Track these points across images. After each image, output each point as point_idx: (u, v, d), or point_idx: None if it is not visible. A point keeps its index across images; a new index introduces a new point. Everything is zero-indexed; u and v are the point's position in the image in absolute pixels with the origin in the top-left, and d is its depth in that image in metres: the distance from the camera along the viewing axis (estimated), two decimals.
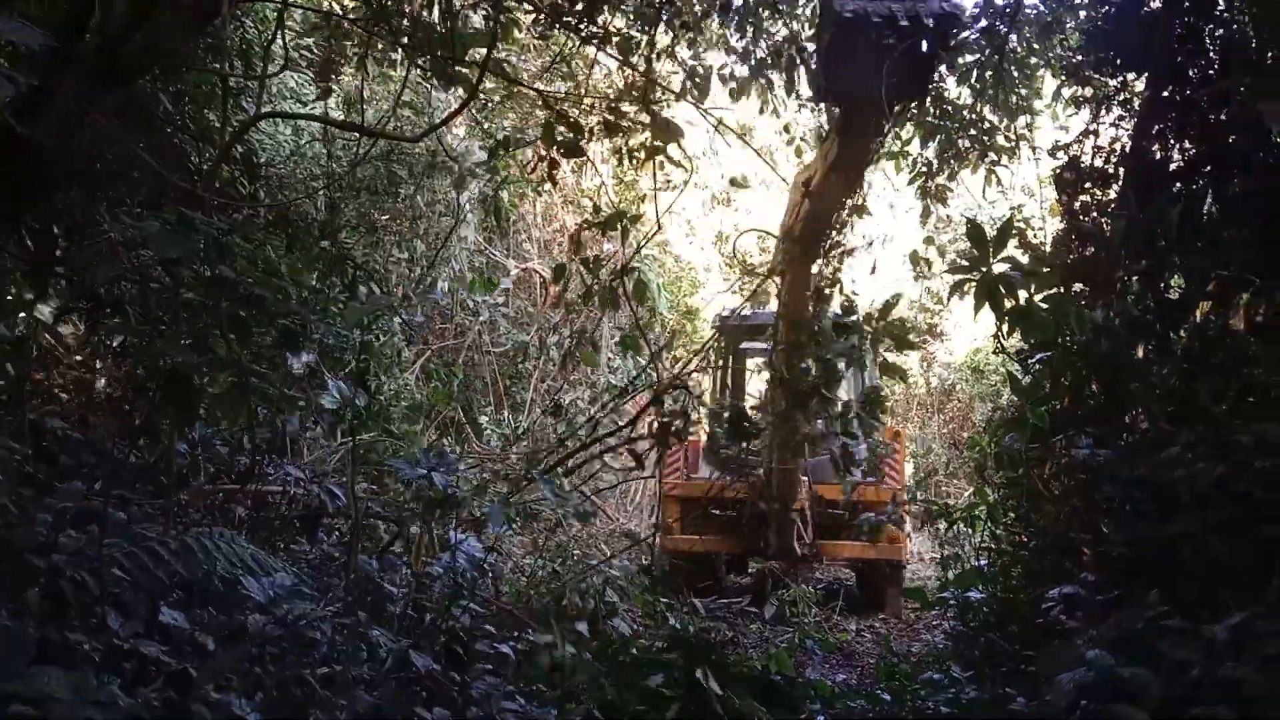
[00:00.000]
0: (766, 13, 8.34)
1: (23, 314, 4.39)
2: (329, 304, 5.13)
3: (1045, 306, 4.67)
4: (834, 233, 6.97)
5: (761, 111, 9.23)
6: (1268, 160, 4.95)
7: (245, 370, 3.31)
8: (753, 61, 8.52)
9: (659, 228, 6.62)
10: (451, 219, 9.62)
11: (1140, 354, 4.76)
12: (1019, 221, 10.35)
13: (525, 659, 6.35)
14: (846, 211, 7.00)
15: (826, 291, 6.58)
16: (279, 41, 6.22)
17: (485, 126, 10.51)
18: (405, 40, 6.19)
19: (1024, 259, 7.80)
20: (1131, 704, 2.85)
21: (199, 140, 6.35)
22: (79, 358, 5.99)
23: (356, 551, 4.73)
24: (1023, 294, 4.64)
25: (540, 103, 7.21)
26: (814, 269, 6.94)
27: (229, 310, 3.07)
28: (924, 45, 5.10)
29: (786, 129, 10.47)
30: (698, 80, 7.83)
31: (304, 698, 3.47)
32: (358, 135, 7.87)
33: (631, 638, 6.15)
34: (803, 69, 8.01)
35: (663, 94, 7.06)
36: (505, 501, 5.56)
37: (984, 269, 4.60)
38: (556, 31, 6.79)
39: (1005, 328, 4.88)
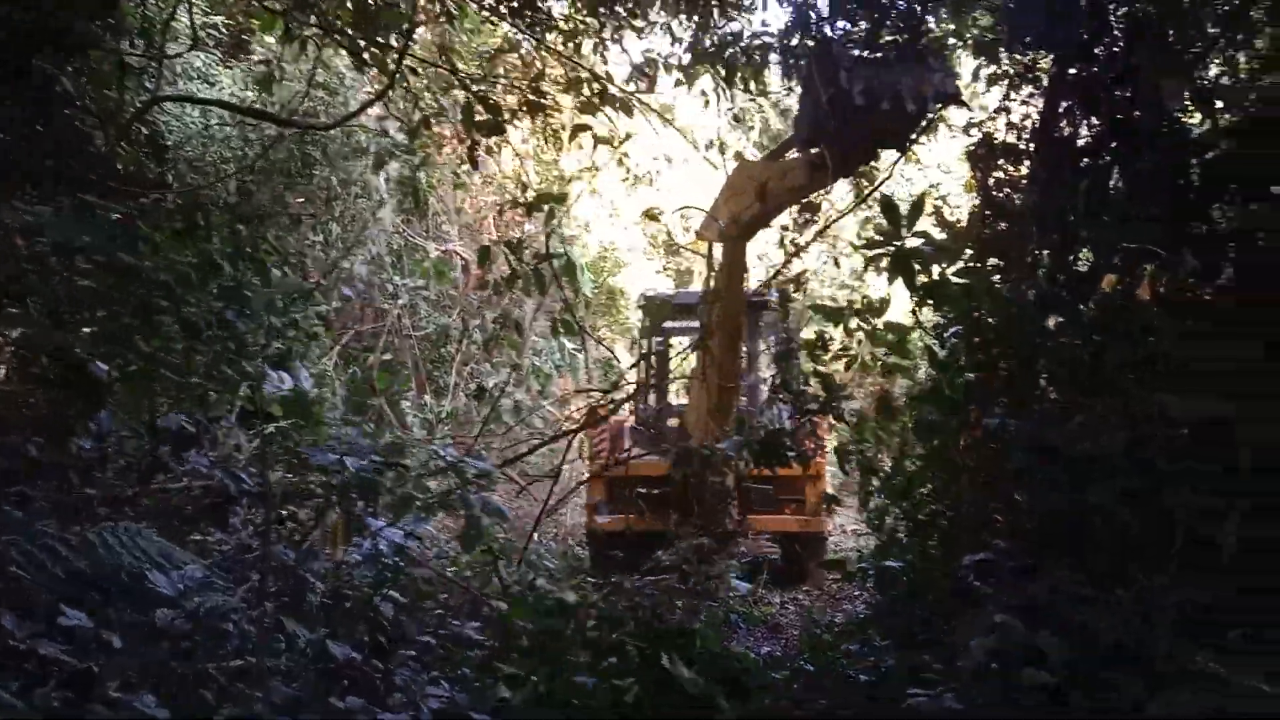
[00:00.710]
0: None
1: None
2: (241, 290, 4.97)
3: (957, 280, 4.77)
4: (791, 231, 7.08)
5: (706, 105, 9.22)
6: (1170, 138, 5.08)
7: (150, 358, 3.17)
8: (699, 49, 8.48)
9: (592, 190, 6.56)
10: (368, 201, 9.42)
11: (1050, 326, 4.87)
12: (935, 199, 10.54)
13: (451, 646, 6.30)
14: (800, 215, 7.12)
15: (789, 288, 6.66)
16: (185, 20, 5.99)
17: (403, 106, 10.29)
18: (318, 19, 6.01)
19: (939, 235, 7.95)
20: (1039, 669, 2.92)
21: (102, 122, 6.08)
22: None
23: (270, 540, 4.60)
24: (935, 268, 4.73)
25: (459, 84, 7.08)
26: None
27: (134, 299, 2.94)
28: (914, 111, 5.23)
29: (738, 119, 10.50)
30: (646, 71, 7.80)
31: (215, 692, 3.36)
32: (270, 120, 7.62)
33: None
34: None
35: (590, 78, 7.00)
36: (418, 490, 5.47)
37: (897, 243, 4.67)
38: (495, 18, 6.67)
39: (918, 301, 4.99)
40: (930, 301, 5.12)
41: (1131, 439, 3.58)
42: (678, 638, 5.32)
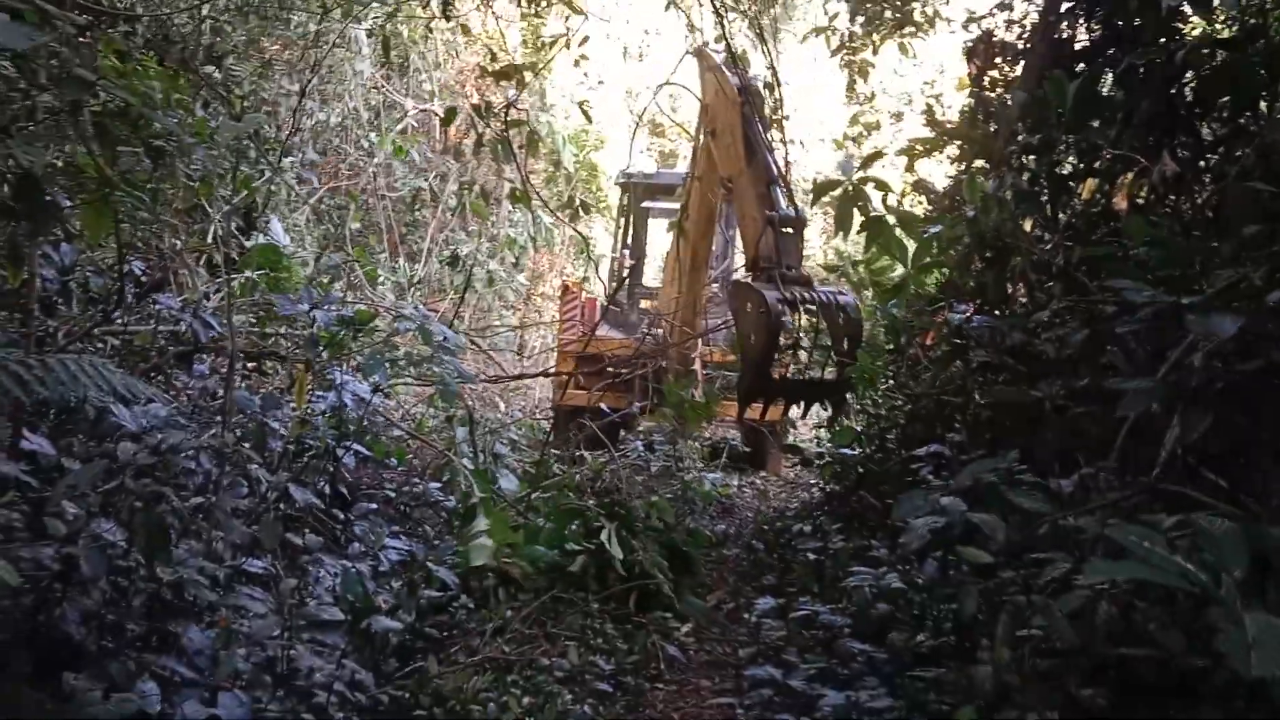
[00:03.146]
0: None
1: None
2: (201, 126, 4.84)
3: (894, 221, 4.97)
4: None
5: None
6: (1166, 45, 5.01)
7: (108, 182, 3.10)
8: None
9: (578, 61, 6.34)
10: (346, 52, 9.13)
11: (1027, 227, 4.88)
12: (929, 95, 10.40)
13: (411, 502, 6.42)
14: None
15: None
16: None
17: None
18: None
19: (929, 134, 7.86)
20: (979, 549, 3.04)
21: None
22: None
23: (233, 386, 4.61)
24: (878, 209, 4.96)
25: None
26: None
27: (91, 115, 2.85)
28: None
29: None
30: None
31: (174, 524, 3.41)
32: None
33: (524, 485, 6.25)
34: None
35: None
36: (382, 350, 5.48)
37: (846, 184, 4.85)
38: None
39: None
40: (869, 239, 5.30)
41: (1088, 338, 3.64)
42: (628, 511, 5.44)
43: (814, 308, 5.48)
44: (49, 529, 2.92)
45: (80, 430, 4.24)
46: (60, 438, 4.01)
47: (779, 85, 7.19)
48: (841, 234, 5.30)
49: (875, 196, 5.36)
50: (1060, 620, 2.47)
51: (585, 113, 6.26)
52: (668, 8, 8.78)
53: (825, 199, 5.66)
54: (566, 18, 6.07)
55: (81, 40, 2.77)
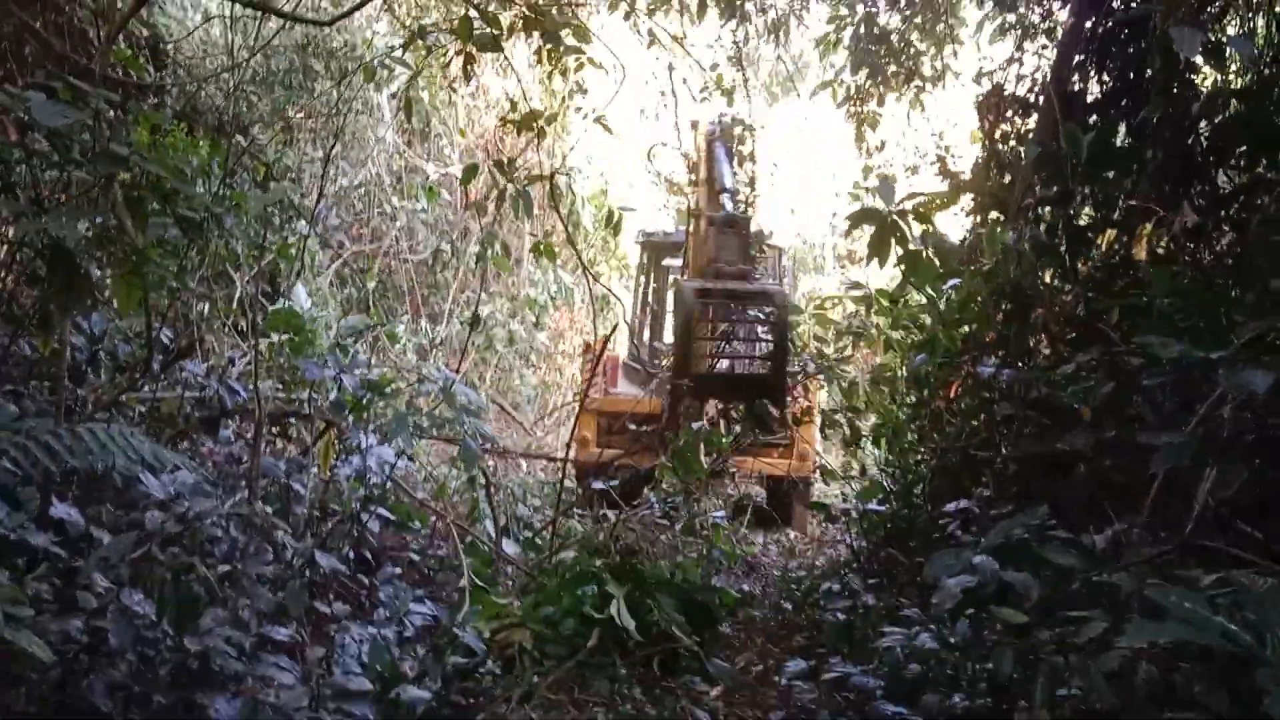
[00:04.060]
0: None
1: None
2: (236, 198, 4.94)
3: (931, 251, 4.87)
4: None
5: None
6: (1180, 94, 5.05)
7: (140, 254, 3.16)
8: None
9: (599, 119, 6.42)
10: (369, 117, 9.30)
11: (1047, 279, 4.88)
12: (939, 148, 10.47)
13: (435, 566, 6.39)
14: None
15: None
16: None
17: (402, 19, 10.12)
18: None
19: (943, 186, 7.90)
20: (1013, 608, 2.99)
21: (97, 18, 5.98)
22: None
23: (259, 452, 4.63)
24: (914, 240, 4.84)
25: None
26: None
27: (123, 189, 2.91)
28: None
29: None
30: None
31: (202, 594, 3.41)
32: (271, 21, 7.49)
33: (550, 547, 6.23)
34: None
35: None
36: (409, 412, 5.50)
37: (885, 213, 4.77)
38: None
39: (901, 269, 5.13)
40: (907, 271, 5.21)
41: (1114, 389, 3.61)
42: (640, 571, 5.37)
43: (728, 299, 5.59)
44: (80, 602, 2.93)
45: (107, 499, 4.27)
46: (87, 506, 4.04)
47: (751, 131, 7.53)
48: (877, 263, 5.21)
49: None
50: (1099, 681, 2.42)
51: (605, 126, 6.32)
52: (649, 45, 8.97)
53: (857, 231, 5.61)
54: (580, 67, 6.17)
55: (114, 116, 2.85)
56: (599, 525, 6.80)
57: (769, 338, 5.69)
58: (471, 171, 5.55)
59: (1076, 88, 6.17)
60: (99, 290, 4.04)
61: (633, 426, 9.53)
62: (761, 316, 5.71)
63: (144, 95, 6.16)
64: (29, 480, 3.62)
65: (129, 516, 3.94)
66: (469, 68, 5.34)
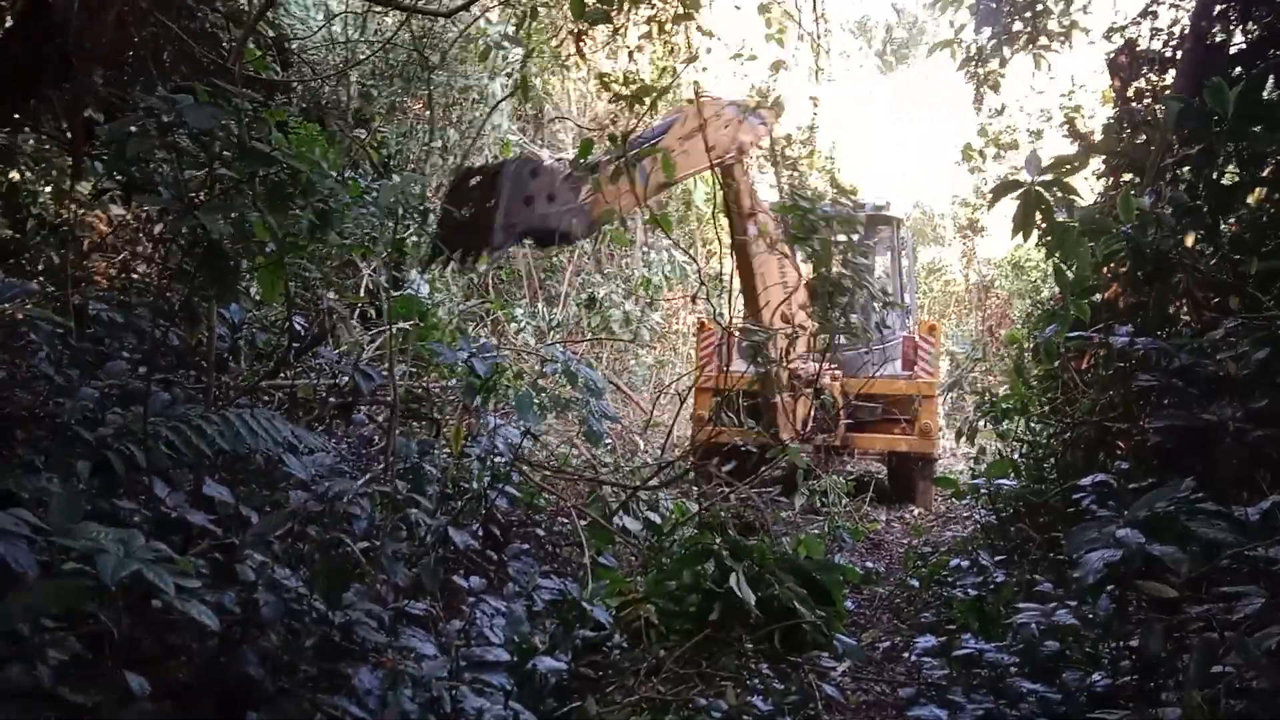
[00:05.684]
0: None
1: (67, 200, 4.41)
2: (354, 191, 5.11)
3: (1078, 226, 4.62)
4: None
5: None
6: None
7: (281, 245, 3.31)
8: None
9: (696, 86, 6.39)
10: (485, 106, 9.46)
11: (1189, 242, 4.64)
12: (1068, 110, 10.05)
13: (560, 541, 6.52)
14: None
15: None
16: None
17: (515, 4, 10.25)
18: None
19: (1072, 148, 7.59)
20: (1159, 583, 2.87)
21: (229, 21, 6.25)
22: (122, 240, 6.05)
23: (395, 434, 4.80)
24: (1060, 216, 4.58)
25: None
26: None
27: (265, 184, 3.05)
28: None
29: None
30: None
31: (347, 569, 3.57)
32: (389, 17, 7.69)
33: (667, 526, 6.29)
34: None
35: None
36: (533, 391, 5.61)
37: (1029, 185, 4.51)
38: None
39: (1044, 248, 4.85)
40: (1053, 245, 4.92)
41: (1267, 357, 3.42)
42: (758, 548, 5.36)
43: None
44: (239, 575, 3.09)
45: (252, 479, 4.49)
46: (234, 486, 4.26)
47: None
48: (1022, 237, 4.95)
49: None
50: (1259, 658, 2.31)
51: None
52: (769, 40, 8.87)
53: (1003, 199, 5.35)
54: (689, 43, 6.15)
55: (257, 114, 2.99)
56: (716, 503, 6.82)
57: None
58: (587, 147, 5.56)
59: (1219, 39, 5.84)
60: (244, 284, 4.24)
61: (747, 403, 9.48)
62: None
63: (273, 93, 6.40)
64: (182, 462, 3.84)
65: (273, 496, 4.13)
66: (581, 45, 5.37)
